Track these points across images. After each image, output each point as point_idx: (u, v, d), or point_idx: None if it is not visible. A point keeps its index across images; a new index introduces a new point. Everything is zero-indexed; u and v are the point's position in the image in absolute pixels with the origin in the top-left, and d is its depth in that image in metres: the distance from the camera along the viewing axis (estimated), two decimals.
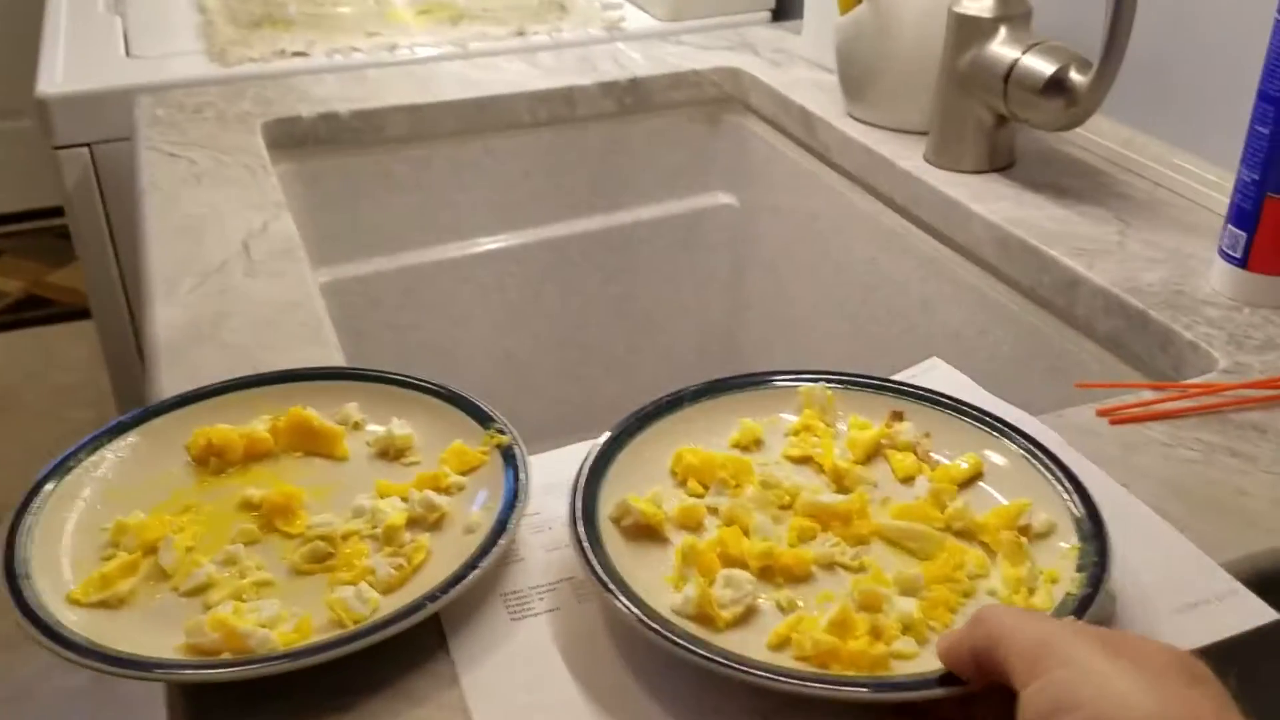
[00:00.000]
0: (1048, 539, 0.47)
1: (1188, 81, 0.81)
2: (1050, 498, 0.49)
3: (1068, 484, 0.49)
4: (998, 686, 0.36)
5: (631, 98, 1.03)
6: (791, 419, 0.55)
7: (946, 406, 0.55)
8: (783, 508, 0.50)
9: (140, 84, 1.01)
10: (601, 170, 1.05)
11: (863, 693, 0.39)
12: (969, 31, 0.81)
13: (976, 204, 0.80)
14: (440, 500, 0.48)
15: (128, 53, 1.10)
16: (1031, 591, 0.45)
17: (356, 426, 0.54)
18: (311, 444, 0.53)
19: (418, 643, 0.43)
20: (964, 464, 0.52)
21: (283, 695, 0.41)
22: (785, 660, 0.42)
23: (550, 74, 1.02)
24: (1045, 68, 0.76)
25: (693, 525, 0.49)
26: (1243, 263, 0.66)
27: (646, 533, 0.48)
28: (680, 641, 0.40)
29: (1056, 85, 0.76)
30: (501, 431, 0.51)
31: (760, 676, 0.39)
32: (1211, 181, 0.78)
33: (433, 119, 0.96)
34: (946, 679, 0.39)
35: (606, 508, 0.48)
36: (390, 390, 0.55)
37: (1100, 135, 0.86)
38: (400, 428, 0.53)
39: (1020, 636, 0.35)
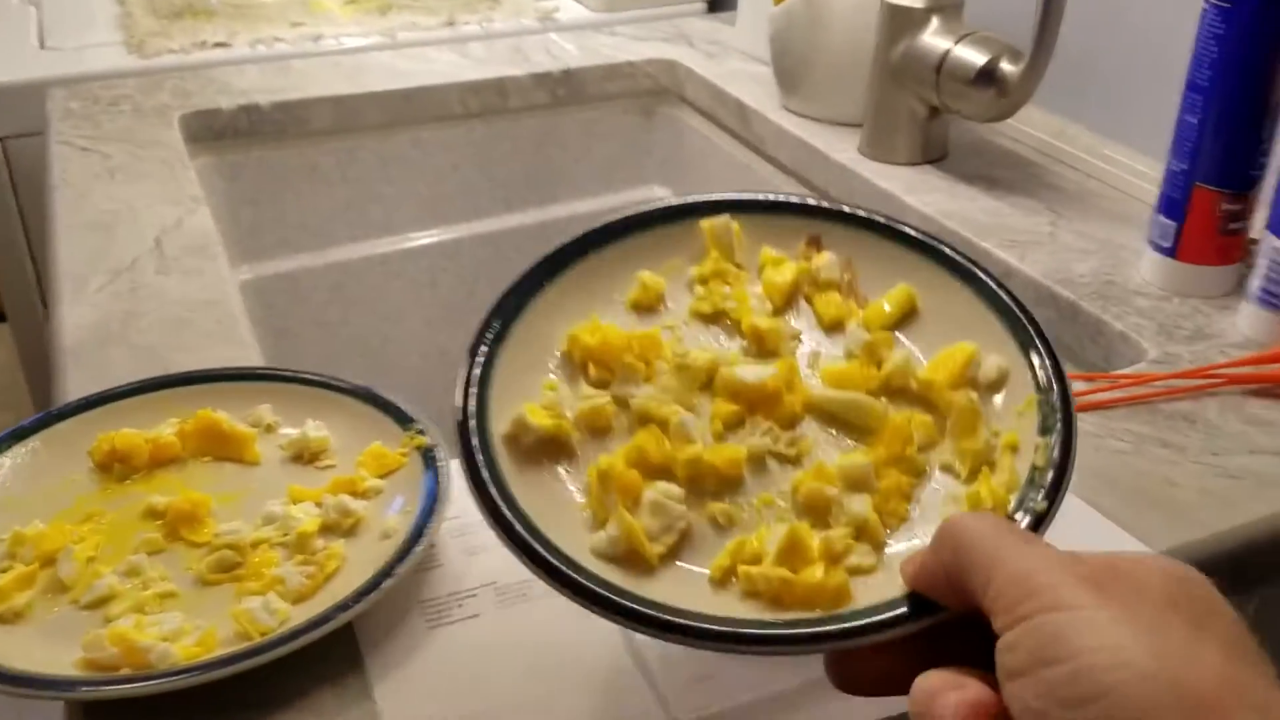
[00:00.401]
0: (999, 390, 0.42)
1: (1118, 72, 0.81)
2: (996, 334, 0.42)
3: (1017, 312, 0.42)
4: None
5: (565, 89, 1.01)
6: (695, 265, 0.48)
7: (867, 225, 0.47)
8: (701, 387, 0.43)
9: (54, 76, 0.97)
10: (535, 163, 1.03)
11: (836, 642, 0.34)
12: (900, 22, 0.80)
13: (910, 196, 0.79)
14: (355, 505, 0.46)
15: (42, 44, 1.06)
16: (992, 468, 0.39)
17: (269, 429, 0.52)
18: (221, 448, 0.51)
19: (329, 654, 0.41)
20: (891, 303, 0.45)
21: (186, 711, 0.39)
22: (732, 599, 0.37)
23: (481, 64, 1.00)
24: (976, 58, 0.76)
25: (602, 427, 0.41)
26: (1172, 252, 0.66)
27: (551, 449, 0.41)
28: (625, 605, 0.35)
29: (988, 76, 0.75)
30: (422, 432, 0.50)
31: (722, 643, 0.35)
32: (1141, 172, 0.78)
33: (358, 110, 0.94)
34: (919, 606, 0.34)
35: (499, 422, 0.40)
36: (306, 391, 0.53)
37: (1032, 126, 0.86)
38: (315, 430, 0.51)
39: (1000, 569, 0.30)
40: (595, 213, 1.07)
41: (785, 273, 0.46)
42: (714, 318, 0.46)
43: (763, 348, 0.44)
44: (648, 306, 0.46)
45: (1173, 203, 0.66)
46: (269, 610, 0.41)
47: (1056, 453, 0.38)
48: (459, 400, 0.40)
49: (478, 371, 0.41)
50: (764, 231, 0.47)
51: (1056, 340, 0.68)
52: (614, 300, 0.46)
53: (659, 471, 0.40)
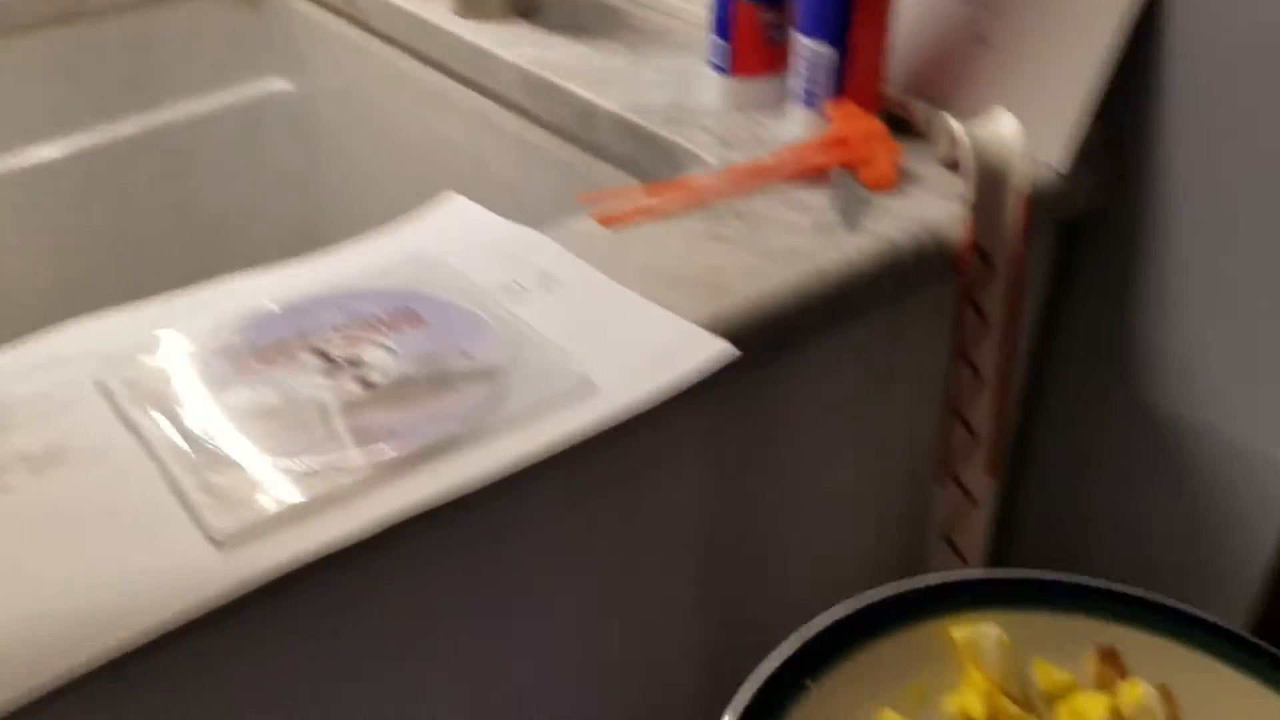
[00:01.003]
0: None
1: None
2: None
3: None
4: None
5: None
6: (950, 691, 0.35)
7: (1178, 628, 0.33)
8: None
9: None
10: (131, 68, 0.97)
11: None
12: None
13: (503, 50, 0.80)
14: None
15: None
16: None
17: None
18: None
19: None
20: None
21: None
22: None
23: None
24: None
25: None
26: (726, 70, 0.71)
27: None
28: None
29: None
30: None
31: None
32: None
33: None
34: None
35: None
36: None
37: None
38: None
39: None
40: (207, 115, 1.02)
41: (1091, 711, 0.33)
42: None
43: None
44: None
45: (721, 23, 0.70)
46: None
47: None
48: None
49: None
50: (1028, 625, 0.33)
51: (638, 167, 0.71)
52: None
53: None
